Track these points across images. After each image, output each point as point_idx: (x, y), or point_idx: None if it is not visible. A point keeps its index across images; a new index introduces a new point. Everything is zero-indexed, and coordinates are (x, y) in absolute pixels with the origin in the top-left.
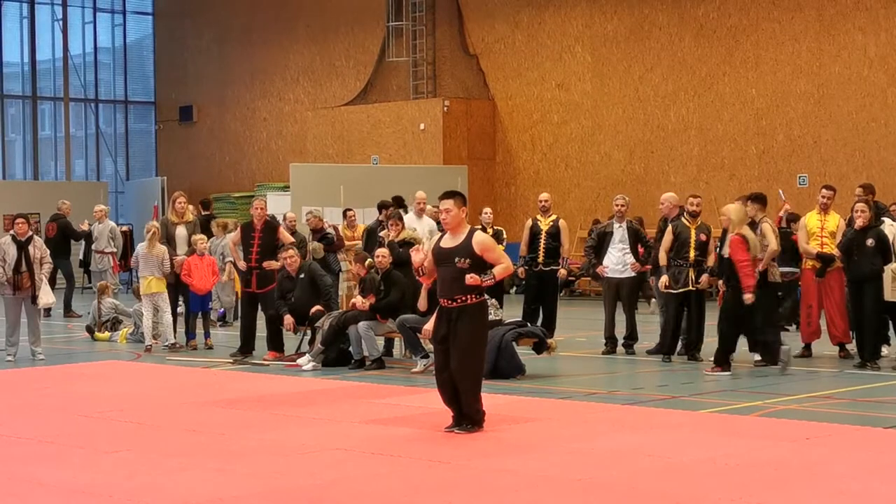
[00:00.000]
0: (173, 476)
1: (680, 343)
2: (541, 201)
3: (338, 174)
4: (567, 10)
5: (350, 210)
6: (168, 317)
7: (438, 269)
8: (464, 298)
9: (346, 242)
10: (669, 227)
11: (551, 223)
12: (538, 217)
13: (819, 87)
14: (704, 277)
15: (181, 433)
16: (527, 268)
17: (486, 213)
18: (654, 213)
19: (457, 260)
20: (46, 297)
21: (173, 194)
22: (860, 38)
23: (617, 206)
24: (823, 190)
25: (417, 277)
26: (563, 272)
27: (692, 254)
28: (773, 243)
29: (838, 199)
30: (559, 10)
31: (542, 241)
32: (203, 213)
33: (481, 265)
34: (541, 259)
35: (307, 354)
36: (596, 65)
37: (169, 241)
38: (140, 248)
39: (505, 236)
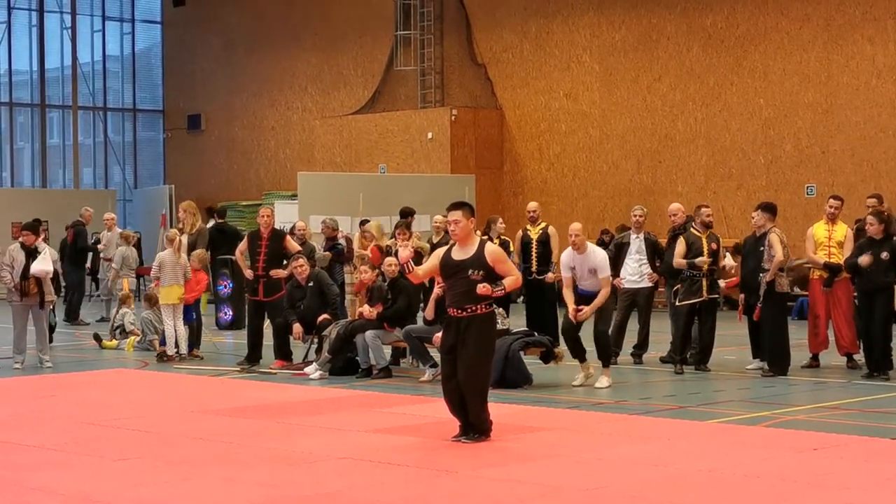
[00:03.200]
0: (180, 484)
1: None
2: (529, 211)
3: (346, 183)
4: (575, 19)
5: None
6: (181, 327)
7: (448, 280)
8: (473, 308)
9: (365, 252)
10: (682, 238)
11: (540, 231)
12: (527, 227)
13: (827, 98)
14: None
15: (188, 441)
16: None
17: (500, 224)
18: (662, 223)
19: (470, 272)
20: (44, 264)
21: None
22: (868, 49)
23: (635, 216)
24: (831, 200)
25: (405, 274)
26: (550, 276)
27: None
28: (780, 253)
29: (846, 209)
30: (567, 20)
31: (534, 250)
32: (217, 221)
33: (492, 276)
34: (534, 268)
35: (314, 363)
36: (604, 74)
37: None
38: (164, 255)
39: (512, 248)
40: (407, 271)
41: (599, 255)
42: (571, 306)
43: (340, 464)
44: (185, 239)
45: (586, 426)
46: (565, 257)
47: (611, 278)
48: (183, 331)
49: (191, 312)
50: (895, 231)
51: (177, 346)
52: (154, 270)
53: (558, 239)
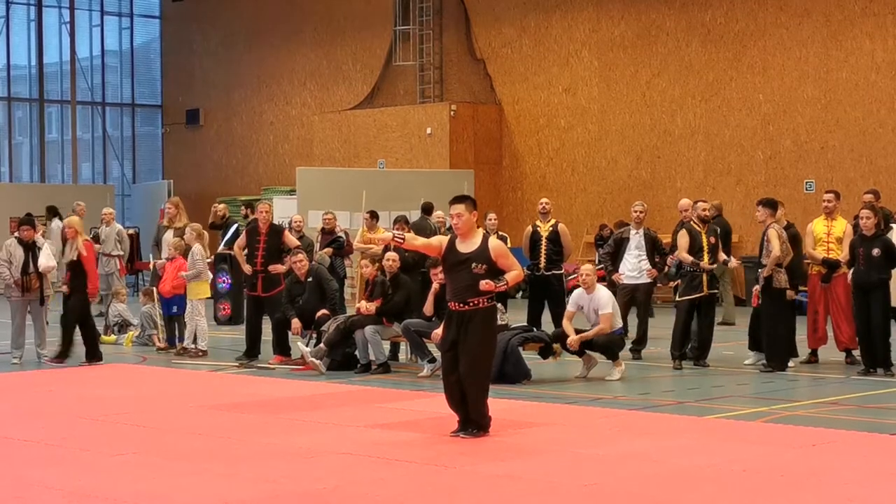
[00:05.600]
0: (178, 480)
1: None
2: (541, 204)
3: (344, 178)
4: (574, 14)
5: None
6: (203, 322)
7: (450, 273)
8: (475, 302)
9: (364, 245)
10: (683, 230)
11: (550, 228)
12: (538, 223)
13: (826, 93)
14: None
15: (186, 437)
16: (529, 273)
17: (490, 219)
18: (661, 219)
19: (473, 265)
20: (50, 260)
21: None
22: (868, 44)
23: (635, 212)
24: (825, 194)
25: (396, 241)
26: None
27: (706, 258)
28: (776, 249)
29: (845, 204)
30: (566, 15)
31: (543, 247)
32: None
33: (495, 271)
34: (542, 265)
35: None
36: (603, 69)
37: (157, 244)
38: (200, 250)
39: (509, 243)
40: (397, 240)
41: (605, 294)
42: (573, 336)
43: (339, 459)
44: (170, 234)
45: (585, 422)
46: (575, 296)
47: (611, 316)
48: (204, 325)
49: (172, 304)
50: (884, 228)
51: (195, 340)
52: (195, 266)
53: (570, 236)
